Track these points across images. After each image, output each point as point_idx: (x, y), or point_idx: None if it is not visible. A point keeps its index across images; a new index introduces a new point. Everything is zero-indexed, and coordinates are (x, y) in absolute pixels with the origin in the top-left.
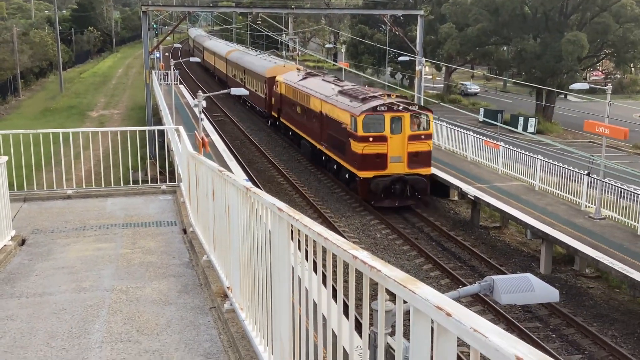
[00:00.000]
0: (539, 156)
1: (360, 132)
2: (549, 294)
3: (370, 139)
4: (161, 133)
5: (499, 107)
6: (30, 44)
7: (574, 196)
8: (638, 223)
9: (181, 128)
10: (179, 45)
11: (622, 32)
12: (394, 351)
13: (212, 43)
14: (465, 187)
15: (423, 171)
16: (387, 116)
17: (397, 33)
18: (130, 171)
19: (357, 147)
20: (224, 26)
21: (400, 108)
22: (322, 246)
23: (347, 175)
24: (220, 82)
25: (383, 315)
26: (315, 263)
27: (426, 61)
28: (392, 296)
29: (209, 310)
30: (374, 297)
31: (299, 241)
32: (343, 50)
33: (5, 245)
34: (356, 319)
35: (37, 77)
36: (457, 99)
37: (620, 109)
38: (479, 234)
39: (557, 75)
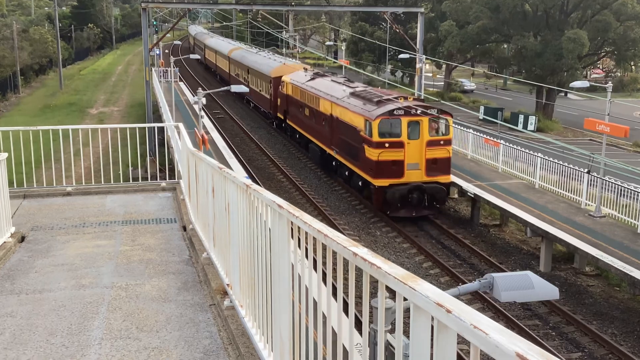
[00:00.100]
0: (539, 154)
1: (376, 138)
2: (549, 291)
3: (386, 145)
4: (161, 130)
5: (499, 104)
6: (30, 40)
7: (574, 194)
8: (638, 221)
9: (181, 125)
10: (179, 43)
11: (623, 30)
12: (394, 348)
13: (214, 41)
14: (465, 185)
15: (442, 179)
16: (404, 120)
17: (398, 30)
18: (130, 168)
19: (372, 154)
20: (224, 23)
21: (418, 112)
22: (322, 243)
23: (360, 183)
24: (222, 81)
25: (383, 312)
26: (315, 261)
27: (426, 59)
28: (392, 293)
29: (208, 308)
30: (373, 294)
31: (298, 238)
32: (343, 48)
33: (5, 242)
34: (356, 316)
35: (36, 74)
36: (458, 97)
37: (620, 107)
38: (479, 232)
39: (558, 73)
